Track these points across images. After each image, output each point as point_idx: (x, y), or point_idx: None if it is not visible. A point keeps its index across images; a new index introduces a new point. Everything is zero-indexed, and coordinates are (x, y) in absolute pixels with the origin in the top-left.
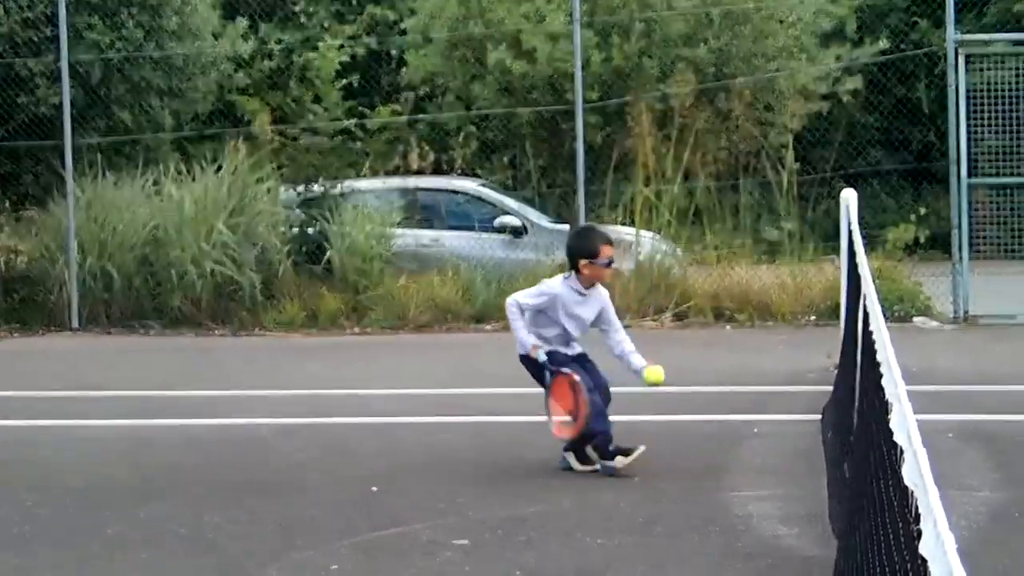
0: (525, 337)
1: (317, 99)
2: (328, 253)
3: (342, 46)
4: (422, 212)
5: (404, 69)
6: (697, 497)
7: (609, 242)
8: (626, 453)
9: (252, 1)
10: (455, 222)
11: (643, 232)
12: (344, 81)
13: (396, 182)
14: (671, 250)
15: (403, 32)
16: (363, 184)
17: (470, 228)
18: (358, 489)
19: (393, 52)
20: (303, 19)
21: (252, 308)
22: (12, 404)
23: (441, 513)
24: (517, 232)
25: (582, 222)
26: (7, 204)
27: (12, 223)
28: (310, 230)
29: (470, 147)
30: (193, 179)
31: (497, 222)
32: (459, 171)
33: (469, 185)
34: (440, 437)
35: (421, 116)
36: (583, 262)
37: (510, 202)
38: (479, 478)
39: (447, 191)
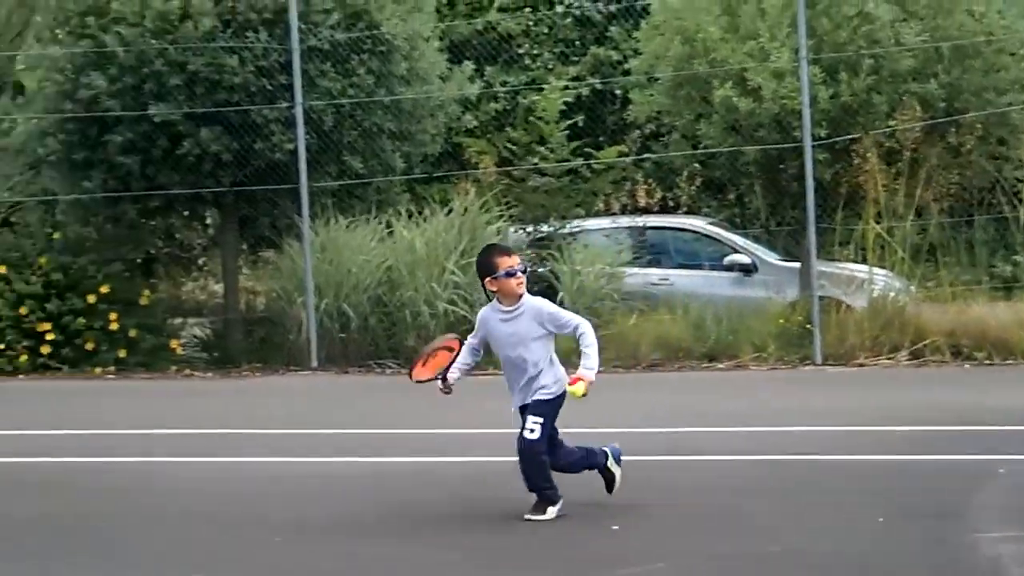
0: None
1: (542, 140)
2: (559, 293)
3: (566, 87)
4: (651, 250)
5: (629, 108)
6: (941, 538)
7: (506, 252)
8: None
9: (477, 44)
10: (684, 260)
11: (875, 269)
12: (569, 121)
13: (625, 221)
14: (904, 287)
15: (627, 72)
16: (591, 223)
17: (699, 266)
18: (597, 526)
19: (617, 92)
20: (527, 61)
21: None
22: (252, 441)
23: (682, 552)
24: (747, 270)
25: (813, 260)
26: (244, 247)
27: (249, 265)
28: (540, 270)
29: (694, 185)
30: (424, 220)
31: (727, 260)
32: (684, 209)
33: (698, 223)
34: (670, 475)
35: (647, 155)
36: (487, 280)
37: (739, 240)
38: (713, 517)
39: (676, 229)
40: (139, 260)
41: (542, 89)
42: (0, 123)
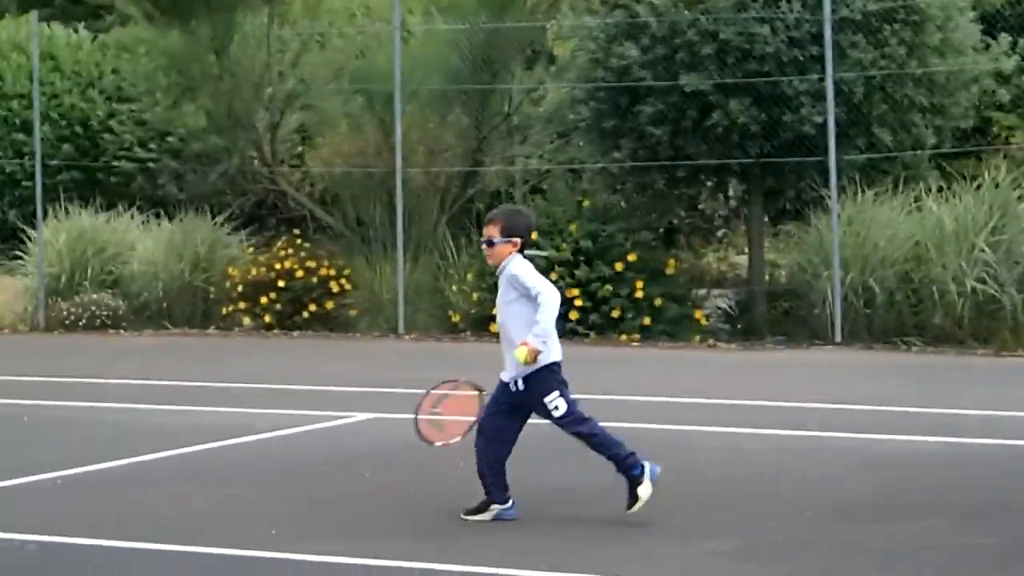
0: None
1: None
2: None
3: None
4: None
5: None
6: None
7: (488, 221)
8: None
9: (1011, 16)
10: None
11: None
12: None
13: None
14: None
15: None
16: None
17: None
18: None
19: None
20: None
21: (1014, 328)
22: (773, 415)
23: None
24: None
25: None
26: (767, 219)
27: (770, 237)
28: None
29: None
30: (953, 196)
31: None
32: None
33: None
34: None
35: None
36: None
37: None
38: None
39: None
40: (662, 229)
41: None
42: (533, 91)
